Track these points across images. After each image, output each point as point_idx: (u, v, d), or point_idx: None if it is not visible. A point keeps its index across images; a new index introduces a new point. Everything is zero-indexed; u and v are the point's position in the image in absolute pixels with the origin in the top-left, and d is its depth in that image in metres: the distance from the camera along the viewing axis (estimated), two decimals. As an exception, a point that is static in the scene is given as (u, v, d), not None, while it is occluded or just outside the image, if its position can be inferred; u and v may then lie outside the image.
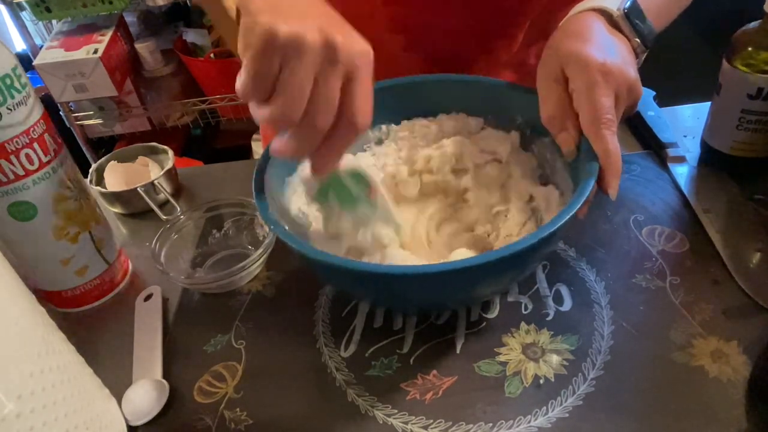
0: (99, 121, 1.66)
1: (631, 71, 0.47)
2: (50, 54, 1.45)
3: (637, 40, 0.49)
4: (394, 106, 0.57)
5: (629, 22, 0.49)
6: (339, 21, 0.39)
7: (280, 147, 0.39)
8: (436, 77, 0.58)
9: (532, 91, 0.51)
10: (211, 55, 1.62)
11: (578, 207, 0.42)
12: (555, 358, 0.48)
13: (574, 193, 0.45)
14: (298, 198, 0.54)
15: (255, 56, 0.36)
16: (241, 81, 0.37)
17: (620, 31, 0.49)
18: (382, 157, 0.59)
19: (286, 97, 0.36)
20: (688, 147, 0.68)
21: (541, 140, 0.55)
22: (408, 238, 0.54)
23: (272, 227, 0.44)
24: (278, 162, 0.50)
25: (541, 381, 0.47)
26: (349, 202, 0.49)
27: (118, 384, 0.49)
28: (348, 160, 0.48)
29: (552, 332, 0.50)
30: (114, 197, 0.69)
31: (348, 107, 0.38)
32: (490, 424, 0.45)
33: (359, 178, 0.49)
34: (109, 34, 1.51)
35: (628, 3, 0.49)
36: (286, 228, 0.45)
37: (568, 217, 0.41)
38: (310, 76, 0.36)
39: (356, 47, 0.38)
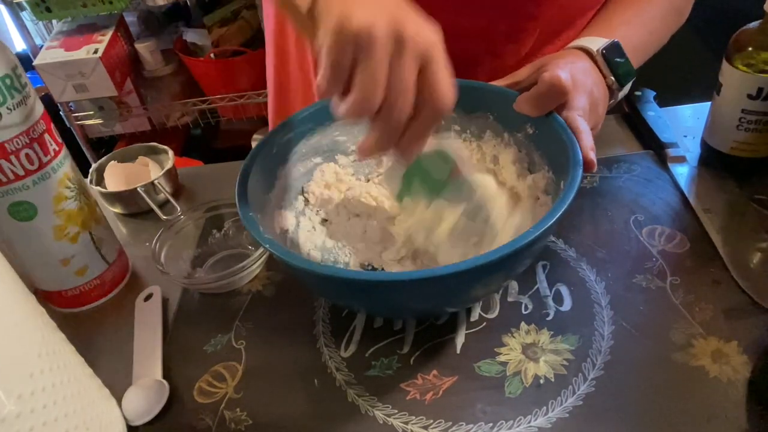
0: (99, 121, 1.66)
1: (599, 109, 0.52)
2: (50, 54, 1.46)
3: (612, 78, 0.54)
4: None
5: (606, 61, 0.53)
6: (409, 9, 0.39)
7: (365, 145, 0.40)
8: None
9: (502, 89, 0.54)
10: (211, 55, 1.63)
11: (569, 203, 0.42)
12: (555, 358, 0.48)
13: (561, 185, 0.47)
14: (280, 216, 0.54)
15: (330, 49, 0.37)
16: (320, 75, 0.38)
17: (598, 68, 0.54)
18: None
19: (362, 85, 0.37)
20: (688, 147, 0.68)
21: (515, 136, 0.55)
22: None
23: (267, 246, 0.44)
24: (256, 180, 0.51)
25: (541, 381, 0.47)
26: (434, 187, 0.49)
27: (118, 384, 0.49)
28: (430, 144, 0.46)
29: (552, 332, 0.50)
30: (114, 197, 0.69)
31: (428, 90, 0.39)
32: (490, 424, 0.45)
33: (443, 157, 0.49)
34: (109, 34, 1.51)
35: (609, 44, 0.54)
36: (281, 245, 0.46)
37: (559, 214, 0.42)
38: (384, 64, 0.37)
39: (424, 37, 0.38)
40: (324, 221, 0.58)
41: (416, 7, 0.40)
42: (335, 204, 0.58)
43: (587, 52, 0.54)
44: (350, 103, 0.38)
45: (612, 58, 0.54)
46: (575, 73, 0.50)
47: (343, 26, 0.37)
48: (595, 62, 0.54)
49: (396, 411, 0.46)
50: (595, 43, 0.54)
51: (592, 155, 0.46)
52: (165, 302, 0.58)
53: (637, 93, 0.75)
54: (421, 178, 0.49)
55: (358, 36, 0.36)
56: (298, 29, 0.42)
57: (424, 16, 0.40)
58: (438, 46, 0.39)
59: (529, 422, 0.44)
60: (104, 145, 1.80)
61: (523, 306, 0.53)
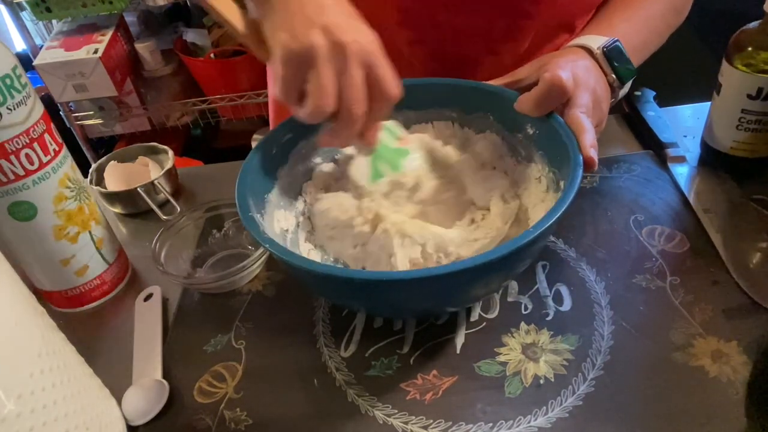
0: (99, 121, 1.66)
1: (603, 106, 0.52)
2: (50, 54, 1.45)
3: (613, 76, 0.54)
4: None
5: (607, 59, 0.54)
6: (343, 13, 0.44)
7: (326, 139, 0.46)
8: (408, 81, 0.58)
9: (502, 89, 0.54)
10: (211, 55, 1.63)
11: (569, 203, 0.42)
12: (555, 358, 0.48)
13: (561, 185, 0.47)
14: (280, 216, 0.54)
15: (280, 69, 0.43)
16: (276, 89, 0.44)
17: (599, 66, 0.54)
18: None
19: (314, 97, 0.42)
20: (688, 147, 0.68)
21: (515, 137, 0.55)
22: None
23: (267, 246, 0.44)
24: (256, 180, 0.51)
25: (541, 381, 0.47)
26: (395, 162, 0.53)
27: (118, 384, 0.49)
28: None
29: (552, 332, 0.50)
30: (114, 197, 0.69)
31: (378, 89, 0.43)
32: (490, 424, 0.45)
33: (390, 131, 0.53)
34: (109, 34, 1.51)
35: (610, 43, 0.54)
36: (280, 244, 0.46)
37: (559, 213, 0.42)
38: (330, 76, 0.42)
39: (362, 40, 0.42)
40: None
41: (353, 8, 0.44)
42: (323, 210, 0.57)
43: (588, 50, 0.54)
44: (306, 113, 0.43)
45: (612, 56, 0.54)
46: (577, 71, 0.50)
47: (288, 48, 0.42)
48: (596, 60, 0.54)
49: (396, 411, 0.46)
50: (596, 41, 0.54)
51: (593, 153, 0.46)
52: (165, 302, 0.58)
53: (637, 93, 0.75)
54: (383, 158, 0.52)
55: (302, 56, 0.41)
56: (253, 51, 0.48)
57: (360, 19, 0.44)
58: (376, 47, 0.43)
59: (529, 422, 0.44)
60: (104, 145, 1.80)
61: (523, 306, 0.53)
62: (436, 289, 0.43)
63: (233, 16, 0.47)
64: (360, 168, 0.56)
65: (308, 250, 0.55)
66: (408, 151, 0.54)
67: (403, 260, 0.50)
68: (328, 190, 0.58)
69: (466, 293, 0.47)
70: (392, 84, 0.44)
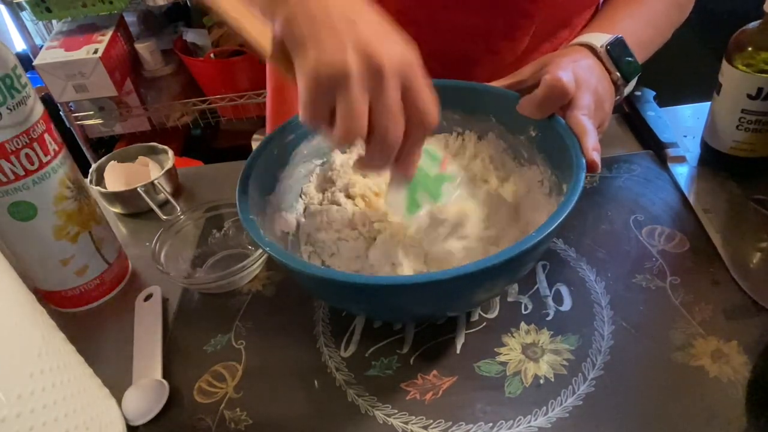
0: (99, 121, 1.66)
1: (605, 106, 0.52)
2: (50, 54, 1.45)
3: (617, 74, 0.54)
4: None
5: (611, 57, 0.53)
6: (375, 23, 0.39)
7: (363, 165, 0.42)
8: None
9: (504, 91, 0.54)
10: (211, 55, 1.63)
11: (573, 204, 0.42)
12: (555, 358, 0.48)
13: (564, 188, 0.46)
14: (281, 218, 0.54)
15: (306, 90, 0.38)
16: (301, 113, 0.39)
17: (603, 64, 0.53)
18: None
19: (343, 120, 0.37)
20: (688, 147, 0.68)
21: (517, 138, 0.55)
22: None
23: (268, 249, 0.43)
24: (257, 181, 0.50)
25: (541, 381, 0.47)
26: (435, 190, 0.49)
27: (118, 384, 0.49)
28: None
29: (552, 332, 0.50)
30: (114, 197, 0.69)
31: (414, 111, 0.39)
32: (490, 424, 0.45)
33: (431, 156, 0.49)
34: (109, 34, 1.51)
35: (613, 40, 0.53)
36: (280, 248, 0.45)
37: (563, 217, 0.41)
38: (363, 98, 0.37)
39: (399, 57, 0.38)
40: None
41: (382, 11, 0.40)
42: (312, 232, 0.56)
43: (591, 48, 0.54)
44: (335, 138, 0.39)
45: (616, 53, 0.53)
46: (579, 72, 0.50)
47: (317, 69, 0.37)
48: (599, 58, 0.53)
49: (396, 411, 0.46)
50: (599, 38, 0.54)
51: (595, 156, 0.46)
52: (165, 302, 0.58)
53: (637, 93, 0.75)
54: (423, 188, 0.49)
55: (333, 78, 0.37)
56: (273, 64, 0.43)
57: (394, 27, 0.39)
58: (413, 62, 0.39)
59: (529, 422, 0.44)
60: (104, 145, 1.79)
61: (522, 306, 0.53)
62: (438, 294, 0.43)
63: (262, 36, 0.44)
64: (396, 196, 0.50)
65: (309, 252, 0.55)
66: (449, 177, 0.49)
67: (408, 270, 0.50)
68: (323, 191, 0.58)
69: (467, 298, 0.46)
70: (432, 106, 0.40)
